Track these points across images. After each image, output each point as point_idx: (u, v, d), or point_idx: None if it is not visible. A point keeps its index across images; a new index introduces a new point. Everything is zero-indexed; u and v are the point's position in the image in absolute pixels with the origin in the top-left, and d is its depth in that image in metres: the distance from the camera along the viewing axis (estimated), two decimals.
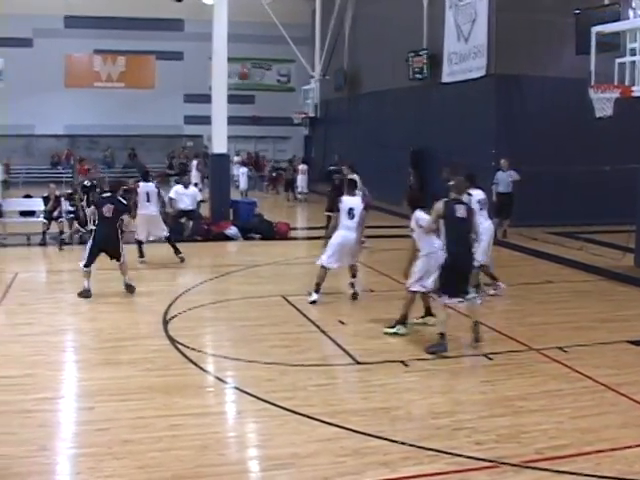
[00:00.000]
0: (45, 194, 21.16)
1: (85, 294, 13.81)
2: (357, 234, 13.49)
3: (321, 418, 7.90)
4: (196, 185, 25.63)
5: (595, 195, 22.27)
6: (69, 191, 21.62)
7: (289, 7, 39.59)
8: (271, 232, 21.74)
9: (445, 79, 26.86)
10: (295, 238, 22.50)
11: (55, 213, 20.52)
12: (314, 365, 9.79)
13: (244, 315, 12.84)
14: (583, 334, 11.58)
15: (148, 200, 17.70)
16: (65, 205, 20.63)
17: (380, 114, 32.23)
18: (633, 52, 15.59)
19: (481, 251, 12.96)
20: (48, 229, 20.45)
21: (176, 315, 12.46)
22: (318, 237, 19.68)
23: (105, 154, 43.69)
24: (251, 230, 21.71)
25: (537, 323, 12.31)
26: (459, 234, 10.61)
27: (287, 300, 13.59)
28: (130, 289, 14.21)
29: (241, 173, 34.17)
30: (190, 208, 21.00)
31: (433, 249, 11.06)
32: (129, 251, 15.45)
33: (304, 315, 12.52)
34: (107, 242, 14.08)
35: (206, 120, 25.98)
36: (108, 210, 14.10)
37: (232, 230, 21.47)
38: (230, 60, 23.66)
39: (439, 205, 10.62)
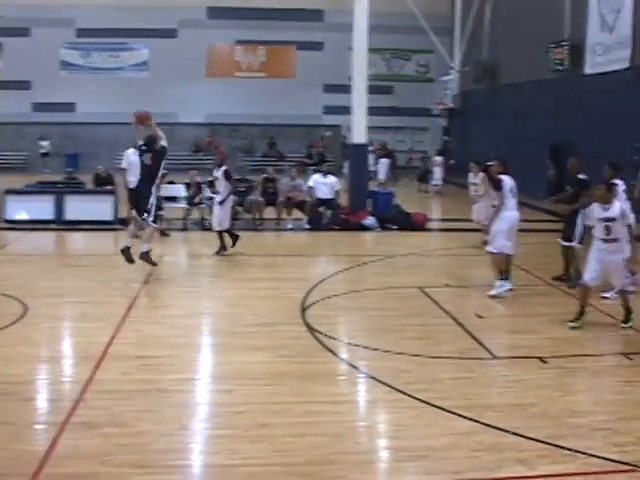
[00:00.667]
0: (187, 181, 21.78)
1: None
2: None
3: (457, 411, 7.85)
4: None
5: None
6: (210, 178, 22.10)
7: None
8: (408, 223, 21.67)
9: (587, 71, 26.15)
10: (432, 229, 22.38)
11: (196, 199, 21.09)
12: (450, 358, 9.73)
13: (380, 305, 12.87)
14: None
15: None
16: (206, 191, 21.15)
17: (519, 106, 31.62)
18: None
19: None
20: (189, 215, 21.07)
21: (313, 303, 12.59)
22: (455, 229, 19.60)
23: (245, 142, 44.45)
24: (389, 221, 21.69)
25: None
26: None
27: (424, 292, 13.52)
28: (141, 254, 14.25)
29: (380, 163, 34.20)
30: (328, 197, 21.25)
31: None
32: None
33: (441, 307, 12.45)
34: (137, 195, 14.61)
35: (345, 110, 26.12)
36: (147, 158, 14.37)
37: (370, 220, 21.52)
38: (370, 50, 23.67)
39: None
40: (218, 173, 17.05)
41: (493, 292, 12.92)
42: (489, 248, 13.21)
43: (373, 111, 24.56)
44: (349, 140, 26.28)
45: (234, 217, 20.55)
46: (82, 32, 42.99)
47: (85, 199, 21.42)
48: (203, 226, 20.53)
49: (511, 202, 13.13)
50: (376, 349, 10.10)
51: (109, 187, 21.82)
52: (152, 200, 14.17)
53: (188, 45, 42.30)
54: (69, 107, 43.03)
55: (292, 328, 11.09)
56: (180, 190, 21.76)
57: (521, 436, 7.28)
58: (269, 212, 21.55)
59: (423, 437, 7.31)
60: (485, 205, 17.16)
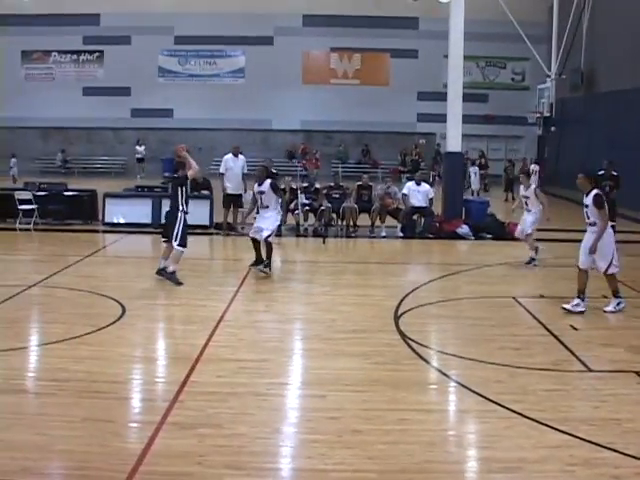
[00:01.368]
0: (282, 186, 21.95)
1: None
2: None
3: (550, 424, 7.75)
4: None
5: None
6: (305, 184, 22.28)
7: (525, 4, 38.75)
8: (503, 232, 21.45)
9: None
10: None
11: (291, 205, 21.24)
12: (544, 369, 9.60)
13: (473, 314, 12.78)
14: None
15: None
16: (301, 198, 21.27)
17: (617, 115, 30.97)
18: None
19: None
20: (285, 221, 21.24)
21: (407, 311, 12.59)
22: (550, 239, 19.28)
23: (339, 149, 44.62)
24: (483, 229, 21.51)
25: None
26: None
27: (518, 302, 13.40)
28: (162, 273, 14.44)
29: (473, 172, 33.87)
30: (422, 205, 21.20)
31: None
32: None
33: (535, 318, 12.29)
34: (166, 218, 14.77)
35: (439, 118, 26.04)
36: (170, 187, 14.75)
37: (464, 229, 21.38)
38: (465, 58, 23.51)
39: None
40: (264, 187, 15.67)
41: (610, 308, 12.67)
42: (611, 270, 12.72)
43: (468, 119, 24.40)
44: (443, 148, 26.13)
45: (327, 223, 20.71)
46: (180, 39, 43.89)
47: None
48: (298, 232, 20.68)
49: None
50: (469, 358, 10.05)
51: (206, 192, 22.18)
52: (179, 225, 14.46)
53: (284, 52, 42.81)
54: (166, 113, 43.95)
55: (385, 335, 11.11)
56: None
57: (616, 452, 7.15)
58: (363, 219, 21.58)
59: (516, 449, 7.23)
60: (531, 220, 17.05)
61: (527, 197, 17.27)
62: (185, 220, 14.58)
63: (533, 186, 17.39)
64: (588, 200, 12.54)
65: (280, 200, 15.86)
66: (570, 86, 37.07)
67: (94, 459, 6.82)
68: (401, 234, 21.27)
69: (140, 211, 21.38)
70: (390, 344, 10.68)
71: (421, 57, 43.04)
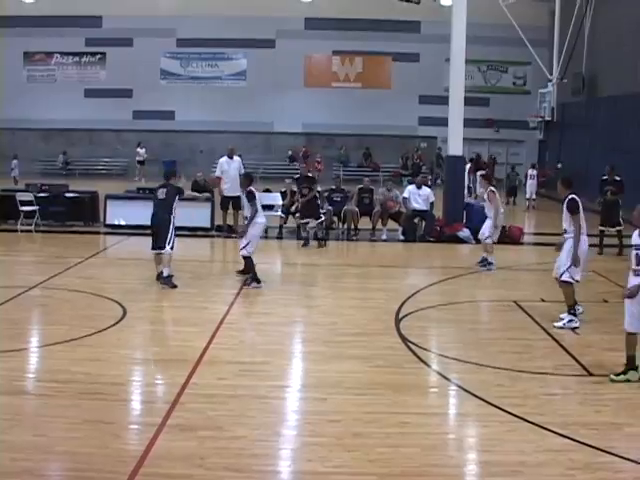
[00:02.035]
0: (283, 189, 21.98)
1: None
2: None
3: (551, 428, 7.76)
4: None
5: None
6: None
7: (527, 8, 38.75)
8: (504, 236, 21.41)
9: None
10: (527, 243, 22.10)
11: (292, 208, 21.26)
12: (545, 374, 9.62)
13: (474, 318, 12.82)
14: None
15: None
16: None
17: (618, 119, 31.00)
18: None
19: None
20: (285, 223, 21.27)
21: (408, 314, 12.60)
22: (551, 243, 19.23)
23: (340, 152, 44.64)
24: None
25: None
26: None
27: (519, 306, 13.40)
28: (161, 279, 14.39)
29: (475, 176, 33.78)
30: (423, 208, 21.21)
31: None
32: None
33: (536, 322, 12.29)
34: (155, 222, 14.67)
35: (440, 121, 26.05)
36: (162, 193, 14.63)
37: (465, 232, 21.38)
38: (467, 62, 23.52)
39: None
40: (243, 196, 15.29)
41: (559, 324, 12.14)
42: (565, 277, 12.17)
43: (469, 123, 24.39)
44: (444, 152, 26.13)
45: (329, 227, 20.66)
46: (182, 42, 43.94)
47: (182, 205, 21.73)
48: (299, 235, 20.70)
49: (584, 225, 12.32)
50: (469, 362, 10.06)
51: (207, 194, 22.17)
52: (173, 231, 14.44)
53: (286, 55, 42.86)
54: (168, 115, 43.97)
55: (386, 339, 11.12)
56: (276, 198, 21.96)
57: (617, 456, 7.16)
58: (364, 222, 21.59)
59: (516, 452, 7.25)
60: (489, 224, 17.14)
61: (484, 200, 17.38)
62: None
63: (489, 189, 17.30)
64: (563, 205, 12.23)
65: (256, 211, 14.80)
66: (571, 90, 37.09)
67: (95, 461, 6.82)
68: (402, 237, 21.28)
69: (142, 213, 21.26)
70: (391, 347, 10.69)
71: (423, 61, 43.03)
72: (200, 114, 43.20)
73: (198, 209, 21.11)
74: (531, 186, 32.67)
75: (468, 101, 23.95)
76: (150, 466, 6.76)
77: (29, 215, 21.11)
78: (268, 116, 43.43)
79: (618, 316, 12.43)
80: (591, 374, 9.70)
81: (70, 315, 12.09)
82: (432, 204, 21.64)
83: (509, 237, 21.36)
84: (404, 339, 11.06)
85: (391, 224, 21.59)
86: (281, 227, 21.18)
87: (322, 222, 20.22)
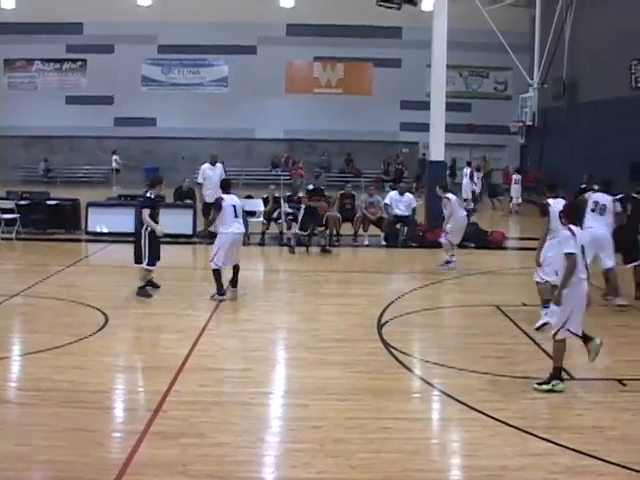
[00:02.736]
0: (265, 195, 21.97)
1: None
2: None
3: (533, 432, 7.79)
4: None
5: None
6: (288, 193, 22.28)
7: (508, 14, 38.83)
8: (485, 241, 21.51)
9: None
10: (510, 248, 22.17)
11: (274, 214, 21.26)
12: (527, 378, 9.62)
13: (456, 323, 12.86)
14: None
15: (236, 216, 14.26)
16: (285, 207, 21.25)
17: (599, 124, 31.15)
18: None
19: None
20: (267, 229, 21.26)
21: (390, 320, 12.61)
22: (533, 248, 19.31)
23: (322, 159, 44.64)
24: (466, 238, 21.51)
25: None
26: None
27: (501, 310, 13.44)
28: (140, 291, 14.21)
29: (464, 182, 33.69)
30: (405, 214, 21.25)
31: None
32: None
33: (518, 326, 12.33)
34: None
35: (422, 127, 26.07)
36: (138, 202, 14.61)
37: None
38: (448, 67, 23.58)
39: None
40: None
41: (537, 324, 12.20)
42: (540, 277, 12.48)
43: (450, 128, 24.44)
44: (427, 157, 26.18)
45: (312, 233, 20.62)
46: (163, 48, 43.85)
47: (165, 212, 21.70)
48: (281, 241, 20.69)
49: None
50: (452, 367, 10.08)
51: (189, 201, 22.16)
52: (143, 243, 14.19)
53: (267, 61, 42.87)
54: (150, 122, 43.84)
55: (368, 344, 11.13)
56: (258, 205, 21.94)
57: (599, 459, 7.19)
58: (346, 228, 21.60)
59: (499, 457, 7.26)
60: (449, 227, 17.72)
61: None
62: (151, 238, 14.27)
63: (447, 195, 17.73)
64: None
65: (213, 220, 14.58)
66: (552, 95, 37.25)
67: (77, 469, 6.80)
68: (384, 243, 21.32)
69: (123, 220, 21.25)
70: (373, 353, 10.70)
71: (404, 66, 43.10)
72: (182, 121, 43.10)
73: (180, 216, 21.08)
74: (516, 191, 32.77)
75: (449, 106, 24.00)
76: (133, 474, 6.74)
77: (10, 223, 21.01)
78: (250, 122, 43.38)
79: (599, 320, 12.58)
80: (573, 378, 9.72)
81: (52, 323, 12.04)
82: (414, 210, 21.67)
83: (492, 242, 21.45)
84: (386, 344, 11.07)
85: (374, 230, 21.59)
86: (263, 233, 21.16)
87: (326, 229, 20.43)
